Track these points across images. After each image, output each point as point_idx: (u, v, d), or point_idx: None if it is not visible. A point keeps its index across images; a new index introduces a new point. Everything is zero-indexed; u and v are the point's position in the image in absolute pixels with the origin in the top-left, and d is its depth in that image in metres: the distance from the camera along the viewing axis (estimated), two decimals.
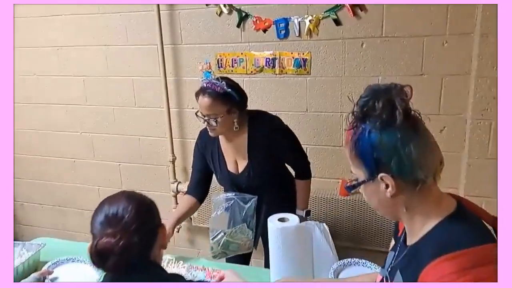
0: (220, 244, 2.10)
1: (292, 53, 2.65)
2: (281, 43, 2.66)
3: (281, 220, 1.86)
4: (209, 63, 1.99)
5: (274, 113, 2.73)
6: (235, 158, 2.15)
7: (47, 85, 3.30)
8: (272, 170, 2.16)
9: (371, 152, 1.01)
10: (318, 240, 1.84)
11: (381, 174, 1.01)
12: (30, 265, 2.01)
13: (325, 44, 2.58)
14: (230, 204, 2.07)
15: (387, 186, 1.02)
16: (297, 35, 2.61)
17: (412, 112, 1.03)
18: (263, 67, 2.72)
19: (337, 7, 2.49)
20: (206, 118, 2.00)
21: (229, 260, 2.24)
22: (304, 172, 2.22)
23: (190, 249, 3.30)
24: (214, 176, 2.28)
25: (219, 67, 2.79)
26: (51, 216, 3.69)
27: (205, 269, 1.98)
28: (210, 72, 1.99)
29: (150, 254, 1.13)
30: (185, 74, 2.90)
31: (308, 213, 2.23)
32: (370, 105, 1.01)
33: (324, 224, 1.86)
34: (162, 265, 1.29)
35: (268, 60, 2.70)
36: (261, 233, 2.19)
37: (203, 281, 1.66)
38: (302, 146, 2.55)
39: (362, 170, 1.05)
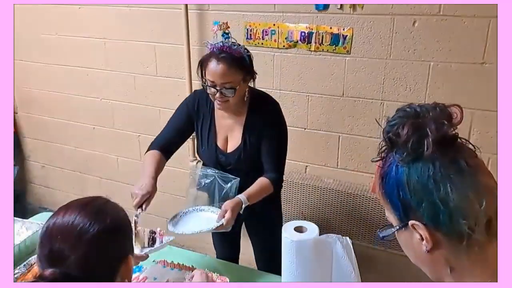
0: None
1: (331, 28, 2.30)
2: (319, 16, 2.30)
3: (298, 229, 1.62)
4: (226, 22, 1.74)
5: (305, 95, 2.47)
6: (227, 134, 1.92)
7: (67, 45, 3.10)
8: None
9: (397, 192, 0.78)
10: (338, 257, 1.58)
11: (411, 222, 0.77)
12: (28, 247, 1.89)
13: (370, 19, 2.21)
14: (210, 181, 1.88)
15: (422, 237, 0.78)
16: (339, 7, 2.25)
17: (458, 140, 0.78)
18: (297, 41, 2.38)
19: None
20: (219, 88, 1.75)
21: (220, 258, 2.13)
22: (275, 180, 1.89)
23: None
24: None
25: (247, 38, 2.49)
26: (71, 181, 3.59)
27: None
28: (228, 33, 1.75)
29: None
30: None
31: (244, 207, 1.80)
32: (394, 131, 0.77)
33: (347, 238, 1.59)
34: None
35: (303, 34, 2.36)
36: (244, 219, 1.98)
37: None
38: (335, 134, 2.32)
39: (392, 214, 0.82)
